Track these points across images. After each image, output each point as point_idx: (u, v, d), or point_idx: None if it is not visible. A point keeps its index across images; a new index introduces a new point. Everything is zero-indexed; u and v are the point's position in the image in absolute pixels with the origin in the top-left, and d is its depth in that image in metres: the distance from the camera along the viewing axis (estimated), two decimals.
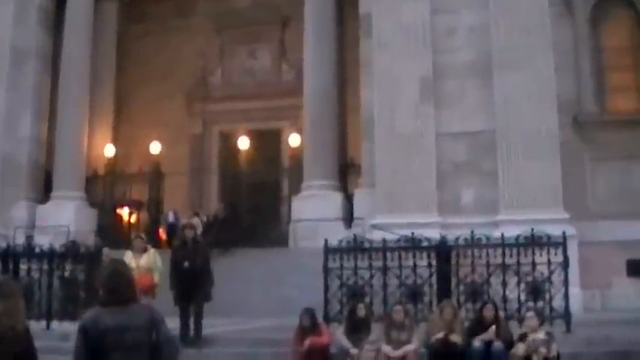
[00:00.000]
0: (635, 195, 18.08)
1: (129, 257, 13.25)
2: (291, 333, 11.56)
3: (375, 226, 16.44)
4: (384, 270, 13.23)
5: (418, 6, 18.00)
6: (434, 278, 13.07)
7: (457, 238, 13.29)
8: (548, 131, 16.98)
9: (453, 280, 12.99)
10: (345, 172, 21.38)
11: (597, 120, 19.07)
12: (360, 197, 19.40)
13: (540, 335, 10.16)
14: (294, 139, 23.79)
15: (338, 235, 16.71)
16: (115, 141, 25.85)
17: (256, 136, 26.49)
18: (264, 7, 27.98)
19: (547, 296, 12.70)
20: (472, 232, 13.23)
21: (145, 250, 13.81)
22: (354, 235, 14.16)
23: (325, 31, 21.87)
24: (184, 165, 26.58)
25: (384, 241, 13.41)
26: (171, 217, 23.16)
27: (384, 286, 13.15)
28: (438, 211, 16.65)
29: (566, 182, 16.90)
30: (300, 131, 23.54)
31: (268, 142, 27.38)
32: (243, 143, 24.77)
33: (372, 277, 13.32)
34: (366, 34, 19.54)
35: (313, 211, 19.60)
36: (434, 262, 13.14)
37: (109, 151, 24.43)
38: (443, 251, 13.13)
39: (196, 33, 28.45)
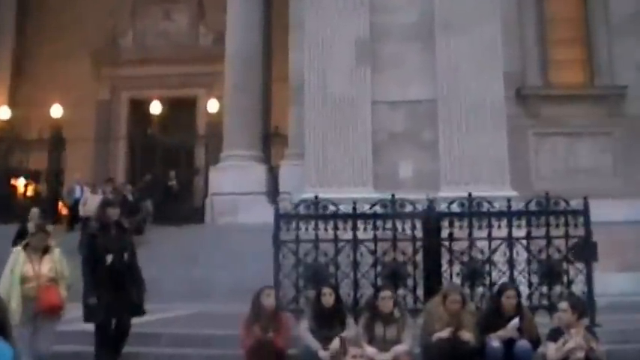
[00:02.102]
0: (580, 173, 17.45)
1: (22, 261, 8.81)
2: (222, 323, 10.35)
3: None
4: (355, 243, 10.49)
5: None
6: (419, 255, 10.48)
7: (450, 203, 10.76)
8: (494, 102, 16.06)
9: (445, 258, 10.43)
10: (270, 142, 20.15)
11: (541, 94, 18.41)
12: (286, 169, 18.23)
13: (578, 332, 7.94)
14: (212, 105, 22.49)
15: (260, 211, 15.51)
16: (13, 103, 24.04)
17: (170, 104, 25.05)
18: None
19: (565, 279, 10.42)
20: (470, 195, 10.84)
21: (46, 251, 9.01)
22: (316, 196, 10.96)
23: None
24: (89, 132, 24.87)
25: (354, 207, 10.70)
26: (78, 192, 21.07)
27: (355, 264, 10.44)
28: (374, 185, 15.50)
29: (509, 158, 16.02)
30: (219, 99, 22.18)
31: (183, 110, 26.00)
32: (155, 109, 23.20)
33: (338, 252, 10.52)
34: None
35: (233, 183, 18.43)
36: (420, 235, 10.55)
37: (4, 113, 22.54)
38: (431, 220, 10.56)
39: None
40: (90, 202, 18.63)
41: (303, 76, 16.89)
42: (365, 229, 10.61)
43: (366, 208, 10.74)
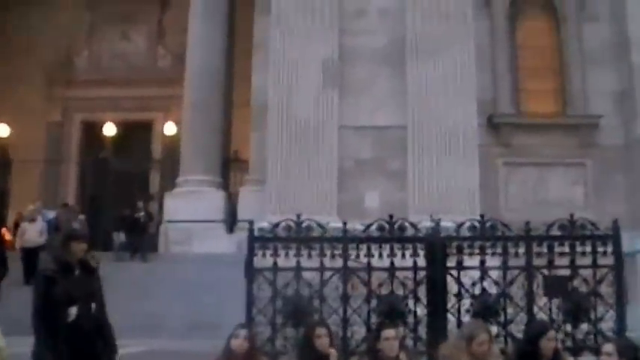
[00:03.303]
0: (551, 205, 16.94)
1: None
2: None
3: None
4: (345, 273, 8.73)
5: None
6: (422, 288, 8.83)
7: (459, 226, 8.90)
8: (466, 129, 15.67)
9: (452, 291, 8.82)
10: (229, 168, 19.39)
11: (513, 122, 17.99)
12: (245, 196, 17.51)
13: None
14: (169, 128, 21.65)
15: (217, 240, 14.68)
16: None
17: (125, 127, 24.19)
18: None
19: (593, 315, 8.86)
20: (482, 216, 9.02)
21: None
22: (298, 215, 8.91)
23: (213, 6, 19.87)
24: (39, 154, 23.86)
25: (345, 228, 8.87)
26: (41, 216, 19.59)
27: (345, 297, 8.67)
28: (339, 214, 14.79)
29: (479, 188, 15.55)
30: (177, 123, 21.40)
31: (139, 134, 25.13)
32: (109, 132, 22.33)
33: (324, 283, 8.73)
34: (261, 12, 17.79)
35: (189, 210, 17.65)
36: (422, 262, 8.87)
37: None
38: (437, 246, 8.79)
39: (63, 8, 25.91)
40: (29, 233, 17.15)
41: (266, 98, 16.30)
42: (357, 255, 8.87)
43: (358, 229, 9.02)
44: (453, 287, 8.70)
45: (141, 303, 14.15)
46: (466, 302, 8.66)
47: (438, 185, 15.16)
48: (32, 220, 17.42)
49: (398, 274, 8.74)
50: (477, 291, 8.71)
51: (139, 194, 22.32)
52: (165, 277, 14.79)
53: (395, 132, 15.76)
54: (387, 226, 8.79)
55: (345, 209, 15.28)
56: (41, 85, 25.82)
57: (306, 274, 8.88)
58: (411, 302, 8.73)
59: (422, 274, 8.72)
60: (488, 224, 8.89)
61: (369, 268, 8.67)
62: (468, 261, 8.77)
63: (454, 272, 8.74)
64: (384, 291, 8.71)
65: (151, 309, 13.60)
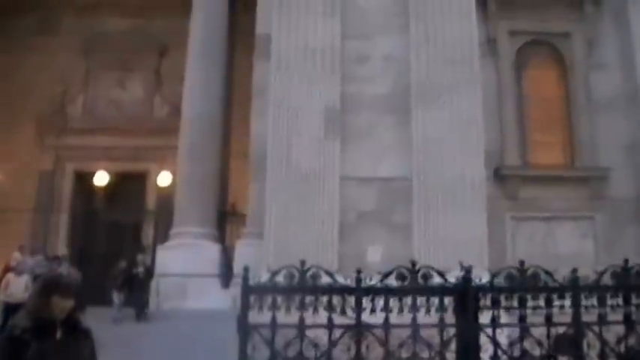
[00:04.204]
0: (560, 259, 16.26)
1: None
2: None
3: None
4: (359, 331, 7.41)
5: (327, 28, 15.86)
6: (451, 348, 7.56)
7: (494, 275, 7.70)
8: (474, 180, 15.05)
9: (487, 352, 7.49)
10: (226, 220, 18.73)
11: (521, 174, 17.44)
12: (242, 250, 16.84)
13: None
14: (163, 178, 21.01)
15: (212, 295, 14.00)
16: None
17: (119, 178, 23.58)
18: (142, 32, 25.35)
19: None
20: (522, 263, 7.70)
21: None
22: (302, 261, 7.67)
23: (211, 53, 19.51)
24: (29, 204, 23.22)
25: (359, 277, 7.62)
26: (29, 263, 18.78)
27: None
28: (340, 269, 14.10)
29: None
30: (172, 174, 20.82)
31: (133, 185, 24.53)
32: (100, 181, 21.72)
33: (334, 343, 7.41)
34: (261, 57, 17.28)
35: (183, 264, 16.99)
36: (450, 318, 7.59)
37: None
38: (468, 298, 7.48)
39: (59, 54, 25.50)
40: (14, 286, 16.34)
41: (265, 147, 15.70)
42: (373, 309, 7.50)
43: (374, 279, 7.69)
44: (487, 348, 7.46)
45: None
46: None
47: (445, 239, 14.49)
48: (18, 272, 16.63)
49: (422, 332, 7.45)
50: (517, 353, 7.45)
51: (133, 247, 21.70)
52: (155, 335, 14.03)
53: (399, 183, 15.14)
54: (408, 274, 7.53)
55: (347, 263, 14.57)
56: (32, 132, 25.37)
57: (312, 333, 7.50)
58: None
59: (450, 332, 7.50)
60: (529, 272, 7.58)
61: (387, 324, 7.40)
62: (505, 316, 7.63)
63: (489, 330, 7.48)
64: (406, 353, 7.40)
65: None
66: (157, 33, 25.47)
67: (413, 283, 7.50)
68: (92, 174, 23.76)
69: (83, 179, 25.20)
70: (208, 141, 19.08)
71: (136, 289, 18.15)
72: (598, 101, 17.83)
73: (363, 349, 7.37)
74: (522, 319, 7.45)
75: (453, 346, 7.46)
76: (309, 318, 7.44)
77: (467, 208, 14.71)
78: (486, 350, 7.40)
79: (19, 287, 16.16)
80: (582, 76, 17.93)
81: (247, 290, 7.39)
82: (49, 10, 25.99)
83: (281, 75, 15.83)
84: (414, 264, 7.66)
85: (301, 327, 7.39)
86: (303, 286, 7.47)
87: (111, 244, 21.60)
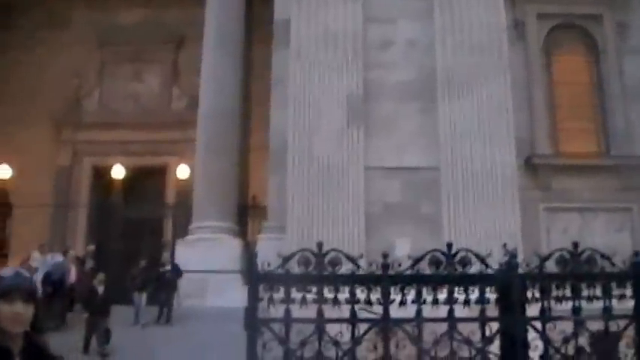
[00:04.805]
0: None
1: None
2: None
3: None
4: (386, 326, 6.27)
5: (348, 12, 15.31)
6: (494, 345, 6.41)
7: (543, 260, 6.50)
8: (505, 170, 14.49)
9: (537, 350, 6.41)
10: (246, 214, 18.20)
11: (552, 164, 16.83)
12: (264, 244, 16.30)
13: None
14: (182, 171, 20.53)
15: (234, 292, 13.49)
16: None
17: (137, 172, 23.13)
18: (157, 23, 24.88)
19: None
20: (576, 244, 6.58)
21: None
22: (319, 245, 6.43)
23: (227, 44, 18.98)
24: (46, 200, 22.84)
25: (385, 262, 6.41)
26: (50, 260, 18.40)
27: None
28: (367, 264, 13.51)
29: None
30: (191, 167, 20.35)
31: (152, 179, 24.07)
32: (117, 174, 21.29)
33: (357, 340, 6.26)
34: (280, 45, 16.81)
35: (202, 260, 16.52)
36: (493, 311, 6.52)
37: None
38: (514, 287, 6.38)
39: (72, 47, 25.11)
40: None
41: (286, 138, 15.18)
42: (403, 301, 6.35)
43: (405, 263, 6.53)
44: (537, 345, 6.41)
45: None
46: None
47: (476, 231, 13.91)
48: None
49: (460, 327, 6.36)
50: (571, 350, 6.36)
51: (152, 243, 21.30)
52: (173, 334, 13.57)
53: (426, 173, 14.59)
54: (443, 259, 6.39)
55: (373, 258, 14.08)
56: (48, 127, 24.98)
57: (332, 328, 6.36)
58: None
59: (493, 327, 6.40)
60: (584, 255, 6.51)
61: (420, 319, 6.31)
62: (556, 308, 6.48)
63: (538, 324, 6.39)
64: (442, 351, 6.26)
65: None
66: (172, 23, 24.99)
67: (449, 269, 6.37)
68: (110, 169, 23.33)
69: (101, 175, 24.79)
70: (226, 134, 18.61)
71: (163, 290, 17.40)
72: (632, 87, 17.22)
73: (392, 347, 6.23)
74: (576, 310, 6.39)
75: (496, 343, 6.41)
76: (329, 311, 6.33)
77: (498, 198, 14.15)
78: (535, 348, 6.38)
79: None
80: (615, 61, 17.34)
81: (256, 279, 6.28)
82: (58, 3, 25.57)
83: (301, 62, 15.31)
84: (450, 247, 6.51)
85: (319, 322, 6.28)
86: (321, 274, 6.32)
87: (130, 241, 21.17)
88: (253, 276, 6.31)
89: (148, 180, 24.26)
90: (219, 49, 19.20)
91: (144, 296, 17.28)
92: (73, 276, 18.14)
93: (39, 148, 24.20)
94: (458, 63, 15.00)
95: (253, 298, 6.23)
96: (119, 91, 25.95)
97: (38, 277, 16.77)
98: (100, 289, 15.68)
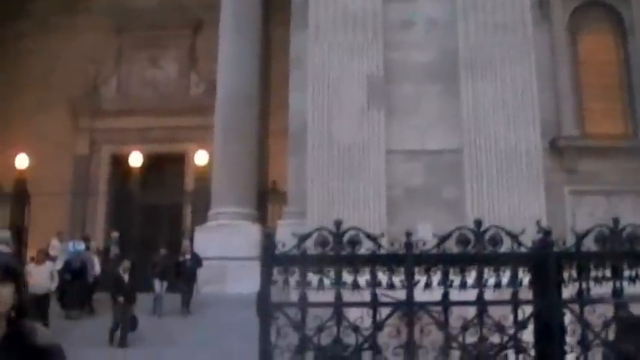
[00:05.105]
0: None
1: None
2: None
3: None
4: (410, 310, 5.75)
5: None
6: (528, 331, 5.83)
7: (582, 237, 5.96)
8: (529, 152, 14.13)
9: (574, 335, 5.85)
10: (266, 200, 17.96)
11: (578, 145, 16.42)
12: (284, 230, 15.88)
13: None
14: (201, 157, 20.31)
15: (253, 279, 13.28)
16: None
17: (156, 161, 22.93)
18: (174, 8, 24.65)
19: None
20: (616, 220, 6.02)
21: None
22: (337, 224, 5.95)
23: (245, 27, 18.72)
24: (62, 188, 22.71)
25: (409, 241, 5.86)
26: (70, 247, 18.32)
27: (411, 348, 5.69)
28: (389, 243, 13.19)
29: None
30: (210, 153, 20.12)
31: (171, 166, 23.87)
32: (135, 162, 21.09)
33: (379, 326, 5.74)
34: (299, 26, 16.53)
35: (221, 246, 16.33)
36: (526, 293, 6.00)
37: None
38: (549, 267, 5.81)
39: (89, 34, 24.90)
40: (35, 276, 14.93)
41: (305, 121, 14.90)
42: (428, 283, 5.83)
43: (430, 243, 5.97)
44: (574, 330, 5.88)
45: (163, 351, 12.78)
46: (597, 355, 5.97)
47: (500, 215, 13.54)
48: (38, 261, 15.76)
49: (491, 311, 5.81)
50: (612, 335, 5.85)
51: (171, 230, 21.14)
52: (192, 322, 13.38)
53: (448, 156, 14.28)
54: (472, 237, 5.86)
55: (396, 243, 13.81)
56: (66, 115, 24.86)
57: (352, 313, 5.85)
58: (511, 354, 5.80)
59: (527, 310, 5.85)
60: (625, 232, 5.88)
61: (447, 302, 5.79)
62: (595, 290, 5.92)
63: (575, 307, 5.86)
64: (471, 337, 5.72)
65: (173, 357, 12.20)
66: (189, 8, 24.76)
67: (478, 248, 5.81)
68: (128, 157, 23.19)
69: (119, 162, 24.64)
70: (245, 118, 18.39)
71: (183, 279, 17.11)
72: None
73: (417, 332, 5.69)
74: (616, 292, 5.82)
75: (530, 328, 5.85)
76: (348, 295, 5.80)
77: (523, 181, 13.83)
78: (573, 333, 5.84)
79: (41, 277, 15.22)
80: None
81: (270, 260, 5.78)
82: None
83: (320, 43, 15.01)
84: (479, 224, 5.96)
85: (338, 306, 5.74)
86: (340, 254, 5.81)
87: (149, 228, 21.04)
88: (267, 257, 5.80)
89: (166, 167, 24.09)
90: (236, 33, 18.95)
91: (164, 285, 17.11)
92: (97, 268, 17.97)
93: (57, 136, 24.09)
94: (480, 43, 14.67)
95: (266, 281, 5.74)
96: (137, 78, 25.80)
97: (58, 265, 16.65)
98: (125, 277, 15.51)
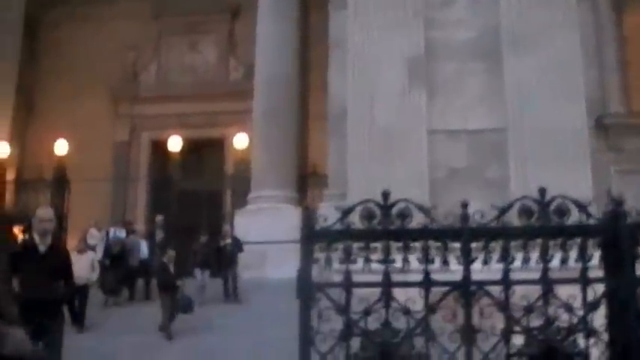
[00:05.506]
0: None
1: None
2: None
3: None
4: (467, 290, 5.11)
5: None
6: (600, 313, 5.14)
7: None
8: (575, 130, 13.71)
9: None
10: (306, 182, 17.80)
11: (624, 123, 16.06)
12: (324, 213, 15.72)
13: None
14: (240, 141, 20.19)
15: (295, 263, 13.15)
16: (21, 142, 22.13)
17: (196, 146, 22.91)
18: None
19: None
20: None
21: None
22: (384, 195, 5.50)
23: (283, 8, 18.63)
24: (101, 174, 22.78)
25: (465, 213, 5.28)
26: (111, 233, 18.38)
27: (469, 332, 5.03)
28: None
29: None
30: (250, 136, 20.02)
31: (210, 152, 23.82)
32: (174, 146, 21.06)
33: (431, 309, 5.09)
34: (337, 7, 16.22)
35: (262, 230, 16.19)
36: (596, 271, 5.24)
37: (2, 150, 20.36)
38: (623, 240, 5.10)
39: (127, 20, 24.97)
40: (76, 266, 14.78)
41: (345, 103, 14.69)
42: (486, 260, 5.23)
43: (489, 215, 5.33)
44: None
45: (201, 337, 12.69)
46: None
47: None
48: (80, 250, 15.51)
49: (558, 290, 5.18)
50: None
51: (212, 216, 21.05)
52: (232, 308, 13.27)
53: (492, 135, 13.92)
54: (536, 207, 5.24)
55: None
56: (105, 101, 24.97)
57: (401, 294, 5.22)
58: (581, 340, 5.16)
59: (598, 289, 5.20)
60: None
61: (508, 281, 5.15)
62: None
63: None
64: (536, 320, 5.10)
65: (211, 344, 12.08)
66: None
67: (543, 220, 5.20)
68: (168, 142, 23.21)
69: (159, 148, 24.67)
70: (284, 101, 18.27)
71: (224, 265, 16.93)
72: None
73: (475, 315, 5.10)
74: None
75: (602, 309, 5.17)
76: (398, 274, 5.18)
77: (569, 160, 13.47)
78: None
79: (82, 267, 14.65)
80: None
81: (311, 236, 5.23)
82: None
83: (359, 23, 14.73)
84: (543, 192, 5.38)
85: (386, 286, 5.14)
86: (388, 229, 5.23)
87: (190, 214, 21.02)
88: (307, 232, 5.21)
89: (206, 152, 24.09)
90: (274, 15, 18.83)
91: (207, 273, 16.94)
92: (145, 251, 17.91)
93: (96, 122, 24.20)
94: (524, 19, 14.30)
95: (307, 259, 5.19)
96: (176, 63, 25.80)
97: (97, 255, 16.54)
98: (171, 267, 15.38)
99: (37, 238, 7.64)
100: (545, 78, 13.82)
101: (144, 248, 17.97)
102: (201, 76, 25.32)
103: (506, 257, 5.13)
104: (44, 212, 7.99)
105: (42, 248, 7.55)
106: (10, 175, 22.26)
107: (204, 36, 25.75)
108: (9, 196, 21.46)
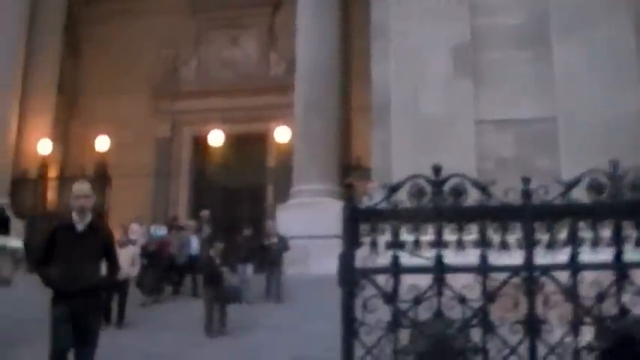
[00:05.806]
0: None
1: None
2: None
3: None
4: (530, 276, 4.54)
5: None
6: None
7: None
8: (629, 118, 13.21)
9: None
10: (349, 176, 17.47)
11: None
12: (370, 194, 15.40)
13: None
14: (282, 134, 19.95)
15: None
16: (64, 140, 22.20)
17: (238, 141, 22.70)
18: None
19: None
20: None
21: None
22: (436, 170, 4.69)
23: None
24: (143, 170, 22.69)
25: (527, 189, 4.70)
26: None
27: (530, 324, 4.50)
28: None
29: None
30: (292, 130, 19.76)
31: (252, 147, 23.60)
32: (215, 141, 20.88)
33: (490, 297, 4.56)
34: None
35: (304, 224, 15.92)
36: None
37: (44, 147, 20.33)
38: None
39: (166, 16, 24.86)
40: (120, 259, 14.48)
41: (389, 93, 14.31)
42: (551, 243, 4.66)
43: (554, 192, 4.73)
44: None
45: (240, 334, 12.41)
46: None
47: None
48: (122, 244, 15.21)
49: (633, 275, 4.53)
50: None
51: (254, 211, 20.84)
52: (273, 304, 12.98)
53: (541, 125, 13.51)
54: (607, 181, 4.68)
55: None
56: (146, 98, 24.90)
57: (455, 281, 4.67)
58: None
59: None
60: None
61: (576, 265, 4.55)
62: None
63: None
64: (610, 308, 4.51)
65: (252, 341, 11.80)
66: None
67: (616, 196, 4.60)
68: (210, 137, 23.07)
69: (201, 144, 24.54)
70: (326, 93, 17.97)
71: (268, 263, 16.35)
72: None
73: (539, 304, 4.55)
74: None
75: None
76: (451, 257, 4.64)
77: (623, 150, 12.96)
78: None
79: (123, 260, 14.25)
80: None
81: (353, 217, 4.64)
82: None
83: (402, 10, 14.40)
84: (615, 165, 4.79)
85: (439, 271, 4.58)
86: (440, 207, 4.63)
87: (232, 209, 20.84)
88: (350, 212, 4.65)
89: (247, 147, 23.87)
90: (314, 6, 18.55)
91: (250, 268, 16.62)
92: (195, 247, 17.70)
93: (137, 119, 24.14)
94: (573, 2, 13.86)
95: (350, 241, 4.60)
96: (216, 58, 25.64)
97: (137, 250, 16.41)
98: (217, 261, 15.05)
99: (74, 216, 6.94)
100: (596, 63, 13.34)
101: (194, 244, 17.77)
102: (242, 71, 25.13)
103: (574, 239, 4.55)
104: (79, 188, 7.13)
105: (80, 227, 6.90)
106: (53, 173, 22.28)
107: (245, 30, 25.54)
108: (51, 194, 21.41)
